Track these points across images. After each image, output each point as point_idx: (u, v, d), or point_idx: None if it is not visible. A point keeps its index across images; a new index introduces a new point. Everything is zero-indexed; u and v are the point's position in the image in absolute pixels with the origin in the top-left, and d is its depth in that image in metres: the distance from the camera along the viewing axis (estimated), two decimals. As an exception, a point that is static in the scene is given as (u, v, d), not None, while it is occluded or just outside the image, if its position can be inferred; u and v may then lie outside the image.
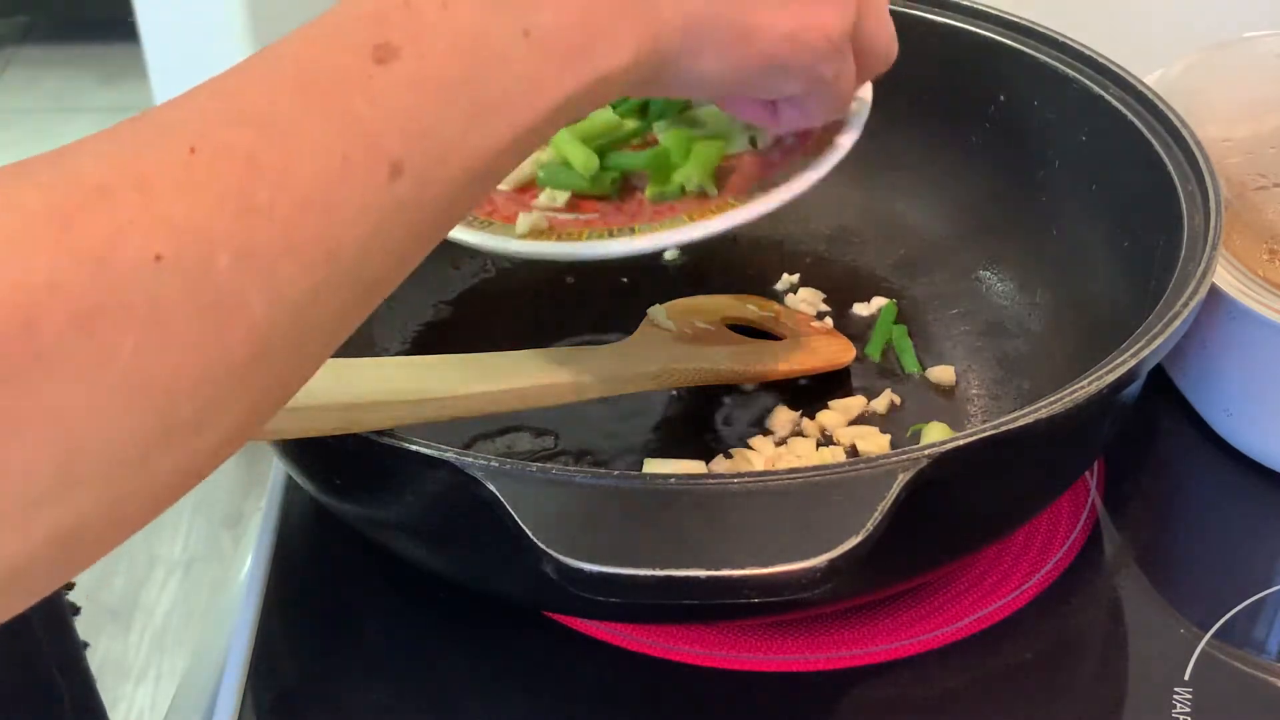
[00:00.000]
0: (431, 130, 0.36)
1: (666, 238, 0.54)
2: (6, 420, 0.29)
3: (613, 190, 0.59)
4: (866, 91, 0.58)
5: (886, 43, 0.51)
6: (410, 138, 0.35)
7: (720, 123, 0.60)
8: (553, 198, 0.59)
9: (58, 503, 0.31)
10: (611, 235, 0.55)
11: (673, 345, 0.66)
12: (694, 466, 0.62)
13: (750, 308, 0.71)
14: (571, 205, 0.58)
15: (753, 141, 0.59)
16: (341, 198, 0.34)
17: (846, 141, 0.56)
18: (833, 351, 0.70)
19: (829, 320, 0.72)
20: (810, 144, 0.57)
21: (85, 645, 0.70)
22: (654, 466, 0.62)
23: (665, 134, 0.59)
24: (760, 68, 0.46)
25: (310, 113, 0.34)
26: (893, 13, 0.68)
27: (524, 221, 0.56)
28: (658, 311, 0.68)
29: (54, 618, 0.68)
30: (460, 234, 0.55)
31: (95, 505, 0.31)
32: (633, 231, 0.55)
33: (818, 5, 0.46)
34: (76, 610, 0.70)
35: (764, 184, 0.56)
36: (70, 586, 0.69)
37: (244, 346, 0.33)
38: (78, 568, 0.33)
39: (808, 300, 0.73)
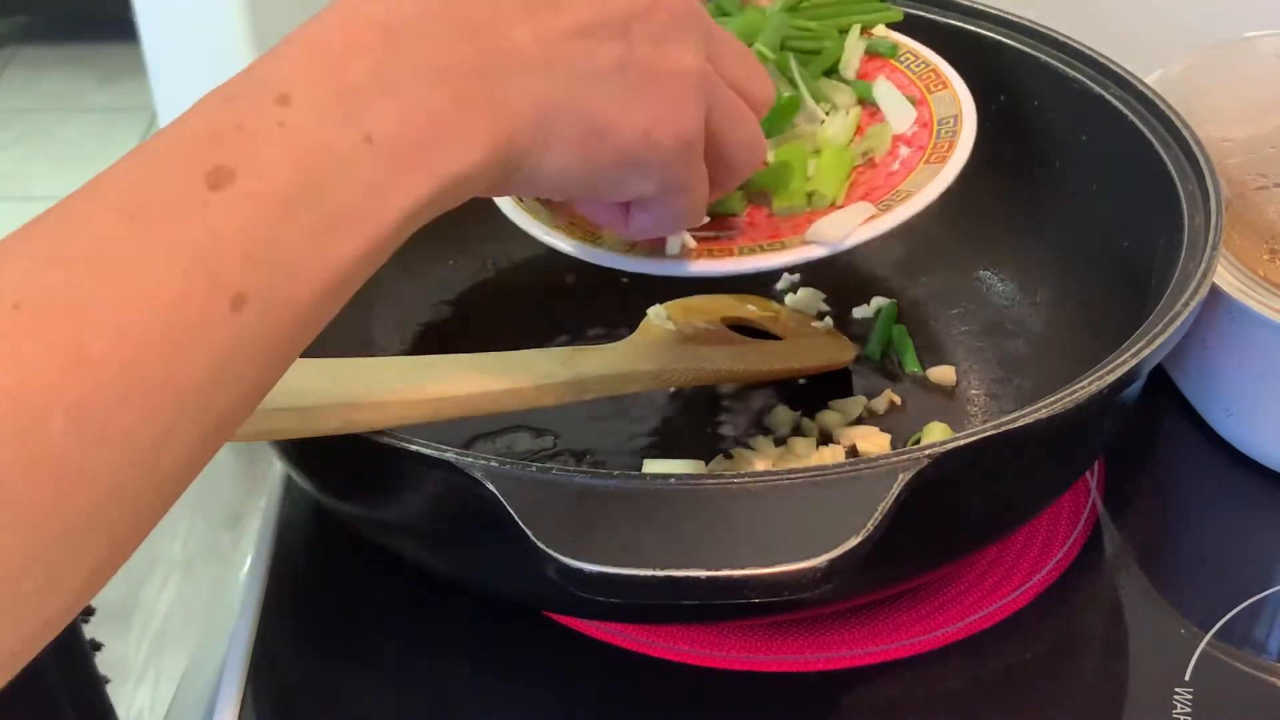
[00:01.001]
0: (275, 254, 0.34)
1: (812, 251, 0.54)
2: None
3: (740, 207, 0.58)
4: (966, 98, 0.59)
5: (747, 150, 0.49)
6: (253, 264, 0.34)
7: (831, 141, 0.59)
8: None
9: None
10: (762, 250, 0.55)
11: (673, 345, 0.66)
12: (694, 466, 0.62)
13: (750, 307, 0.71)
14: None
15: (866, 157, 0.59)
16: (183, 336, 0.32)
17: (965, 145, 0.57)
18: (833, 351, 0.70)
19: (829, 320, 0.72)
20: (929, 153, 0.57)
21: (99, 646, 0.69)
22: (654, 466, 0.62)
23: (779, 148, 0.59)
24: (612, 165, 0.44)
25: (144, 246, 0.33)
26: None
27: (673, 244, 0.55)
28: (658, 311, 0.68)
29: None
30: (630, 264, 0.55)
31: None
32: (782, 246, 0.55)
33: (670, 103, 0.44)
34: (90, 611, 0.70)
35: (897, 194, 0.56)
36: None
37: (90, 504, 0.31)
38: None
39: (807, 300, 0.73)
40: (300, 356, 0.37)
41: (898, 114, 0.60)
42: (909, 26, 0.70)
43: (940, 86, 0.61)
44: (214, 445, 0.35)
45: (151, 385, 0.32)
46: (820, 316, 0.73)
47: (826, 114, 0.60)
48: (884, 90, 0.61)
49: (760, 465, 0.63)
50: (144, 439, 0.32)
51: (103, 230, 0.33)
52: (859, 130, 0.60)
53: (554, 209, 0.58)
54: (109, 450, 0.31)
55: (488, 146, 0.39)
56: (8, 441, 0.30)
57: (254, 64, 0.38)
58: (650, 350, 0.65)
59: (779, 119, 0.59)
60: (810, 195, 0.57)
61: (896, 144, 0.59)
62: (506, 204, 0.58)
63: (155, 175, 0.34)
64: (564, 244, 0.56)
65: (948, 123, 0.59)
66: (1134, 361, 0.51)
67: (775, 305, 0.73)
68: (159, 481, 0.33)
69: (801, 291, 0.74)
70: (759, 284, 0.74)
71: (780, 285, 0.74)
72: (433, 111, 0.38)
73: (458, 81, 0.38)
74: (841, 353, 0.69)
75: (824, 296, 0.74)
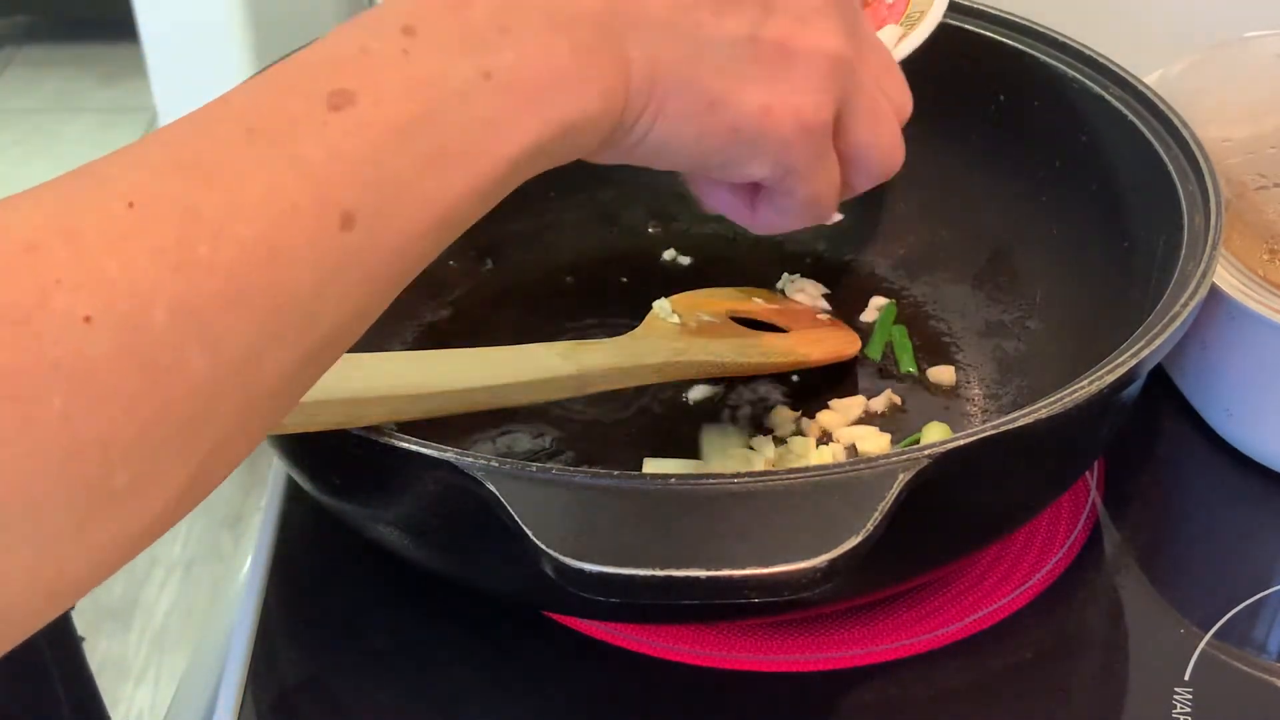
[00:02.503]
0: (386, 179, 0.35)
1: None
2: None
3: None
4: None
5: (882, 153, 0.47)
6: (364, 186, 0.34)
7: None
8: None
9: None
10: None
11: (677, 338, 0.66)
12: (694, 466, 0.62)
13: (756, 300, 0.72)
14: None
15: None
16: (289, 248, 0.33)
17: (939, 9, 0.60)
18: (838, 343, 0.70)
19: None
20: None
21: (81, 639, 0.69)
22: (654, 466, 0.62)
23: None
24: (725, 141, 0.43)
25: (259, 160, 0.33)
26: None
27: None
28: (662, 305, 0.68)
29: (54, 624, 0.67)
30: None
31: (27, 574, 0.30)
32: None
33: (792, 86, 0.42)
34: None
35: (909, 17, 0.60)
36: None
37: (183, 406, 0.31)
38: (7, 640, 0.31)
39: (807, 291, 0.73)
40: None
41: None
42: (909, 26, 0.71)
43: None
44: (314, 370, 0.36)
45: (255, 292, 0.32)
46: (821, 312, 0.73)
47: None
48: None
49: (760, 465, 0.63)
50: (244, 345, 0.32)
51: (221, 142, 0.33)
52: None
53: None
54: (208, 352, 0.32)
55: (601, 99, 0.39)
56: (109, 329, 0.30)
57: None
58: (654, 344, 0.65)
59: None
60: None
61: None
62: None
63: (279, 93, 0.35)
64: None
65: None
66: (1134, 361, 0.51)
67: (780, 298, 0.73)
68: (258, 396, 0.33)
69: (802, 283, 0.74)
70: (759, 284, 0.74)
71: (780, 285, 0.74)
72: (551, 55, 0.38)
73: (579, 30, 0.38)
74: (847, 345, 0.69)
75: (825, 292, 0.74)
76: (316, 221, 0.33)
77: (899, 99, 0.48)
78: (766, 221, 0.48)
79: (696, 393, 0.67)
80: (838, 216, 0.50)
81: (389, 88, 0.35)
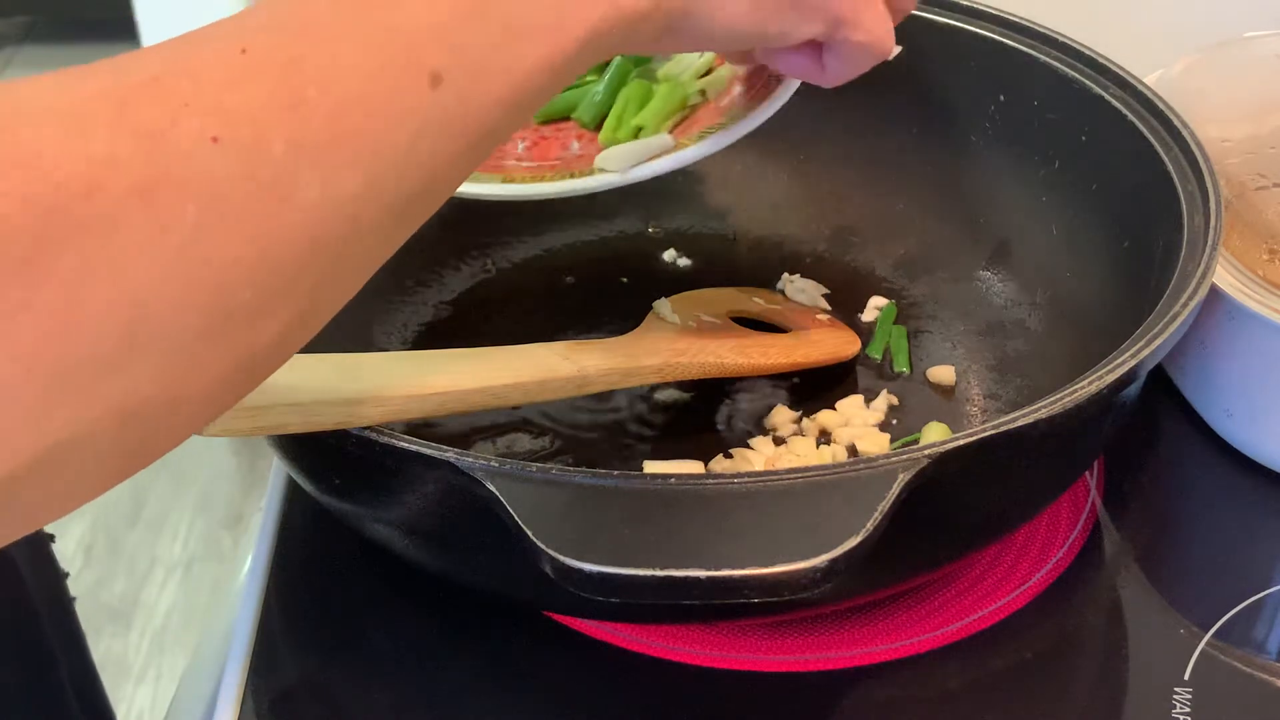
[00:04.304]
0: (467, 47, 0.37)
1: (603, 179, 0.57)
2: (75, 279, 0.30)
3: (591, 119, 0.62)
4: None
5: None
6: (447, 51, 0.37)
7: (675, 77, 0.62)
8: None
9: (121, 371, 0.31)
10: (574, 176, 0.58)
11: (677, 338, 0.66)
12: (694, 466, 0.62)
13: (756, 300, 0.72)
14: (529, 154, 0.62)
15: (703, 94, 0.62)
16: (384, 100, 0.35)
17: (785, 91, 0.59)
18: (837, 343, 0.70)
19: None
20: (758, 90, 0.60)
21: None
22: (654, 467, 0.62)
23: (627, 86, 0.62)
24: (776, 9, 0.47)
25: (349, 23, 0.36)
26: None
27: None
28: (663, 305, 0.68)
29: (57, 610, 0.68)
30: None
31: (156, 382, 0.32)
32: (571, 175, 0.58)
33: None
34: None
35: (715, 127, 0.59)
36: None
37: (299, 232, 0.34)
38: (131, 460, 0.34)
39: (807, 291, 0.73)
40: (300, 353, 0.37)
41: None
42: (909, 26, 0.71)
43: None
44: (403, 227, 0.38)
45: (358, 136, 0.35)
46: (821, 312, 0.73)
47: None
48: None
49: (760, 465, 0.63)
50: (349, 185, 0.35)
51: (311, 9, 0.36)
52: (709, 72, 0.63)
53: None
54: (319, 186, 0.34)
55: None
56: (236, 152, 0.33)
57: None
58: (654, 343, 0.65)
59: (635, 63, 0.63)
60: (638, 130, 0.60)
61: (732, 85, 0.62)
62: None
63: None
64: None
65: None
66: (1134, 362, 0.51)
67: (780, 298, 0.73)
68: (359, 237, 0.36)
69: (802, 283, 0.74)
70: (759, 284, 0.74)
71: (780, 285, 0.74)
72: None
73: None
74: (846, 345, 0.69)
75: (824, 292, 0.74)
76: (408, 78, 0.36)
77: None
78: (836, 72, 0.52)
79: (665, 394, 0.67)
80: (898, 49, 0.53)
81: None
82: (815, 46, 0.51)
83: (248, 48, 0.34)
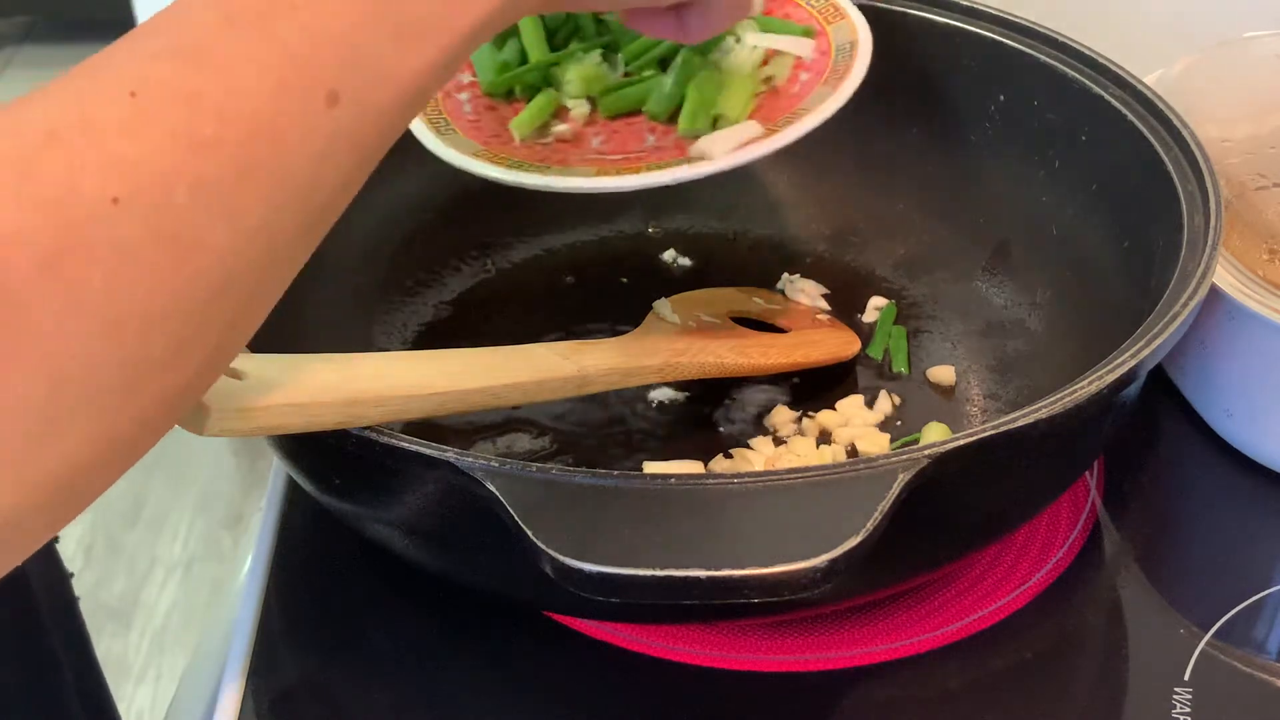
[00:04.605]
0: (360, 60, 0.37)
1: (701, 167, 0.57)
2: None
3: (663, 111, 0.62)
4: (863, 25, 0.62)
5: None
6: (343, 65, 0.37)
7: (739, 68, 0.62)
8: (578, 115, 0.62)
9: (52, 438, 0.32)
10: (669, 166, 0.58)
11: (677, 338, 0.66)
12: (693, 466, 0.62)
13: (756, 300, 0.72)
14: (606, 148, 0.61)
15: (767, 81, 0.62)
16: (285, 127, 0.35)
17: (860, 68, 0.60)
18: (837, 344, 0.70)
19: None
20: (826, 77, 0.60)
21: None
22: (653, 467, 0.62)
23: (696, 77, 0.61)
24: None
25: (243, 43, 0.35)
26: (892, 13, 0.68)
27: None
28: (663, 305, 0.68)
29: (61, 610, 0.68)
30: (504, 174, 0.58)
31: (87, 439, 0.32)
32: (665, 165, 0.58)
33: None
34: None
35: (790, 116, 0.59)
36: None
37: (210, 276, 0.34)
38: (73, 510, 0.34)
39: (807, 291, 0.73)
40: (300, 353, 0.38)
41: (794, 44, 0.63)
42: (909, 26, 0.71)
43: (838, 18, 0.64)
44: (313, 239, 0.38)
45: (261, 169, 0.35)
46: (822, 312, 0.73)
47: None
48: (778, 26, 0.64)
49: (760, 465, 0.63)
50: (256, 216, 0.35)
51: (203, 29, 0.35)
52: (764, 61, 0.63)
53: (478, 139, 0.60)
54: (227, 226, 0.34)
55: None
56: (140, 213, 0.32)
57: None
58: (654, 344, 0.65)
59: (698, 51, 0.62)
60: (716, 119, 0.60)
61: (797, 70, 0.62)
62: (428, 138, 0.60)
63: None
64: (488, 170, 0.58)
65: (845, 49, 0.62)
66: (1134, 362, 0.51)
67: (780, 298, 0.73)
68: (269, 264, 0.36)
69: (802, 283, 0.74)
70: (760, 284, 0.74)
71: (780, 285, 0.74)
72: None
73: None
74: (846, 346, 0.69)
75: (824, 292, 0.74)
76: (306, 98, 0.36)
77: None
78: (699, 31, 0.53)
79: (665, 394, 0.67)
80: (759, 6, 0.54)
81: None
82: (678, 8, 0.52)
83: (137, 89, 0.33)
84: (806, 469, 0.47)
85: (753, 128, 0.58)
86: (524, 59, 0.63)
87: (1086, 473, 0.65)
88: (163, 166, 0.33)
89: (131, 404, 0.33)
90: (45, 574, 0.69)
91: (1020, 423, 0.49)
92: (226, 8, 0.36)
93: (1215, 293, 0.61)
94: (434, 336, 0.71)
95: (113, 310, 0.32)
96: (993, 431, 0.49)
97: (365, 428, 0.49)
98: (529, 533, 0.44)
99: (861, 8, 0.64)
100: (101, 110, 0.33)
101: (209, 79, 0.34)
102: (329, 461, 0.55)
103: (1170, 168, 0.61)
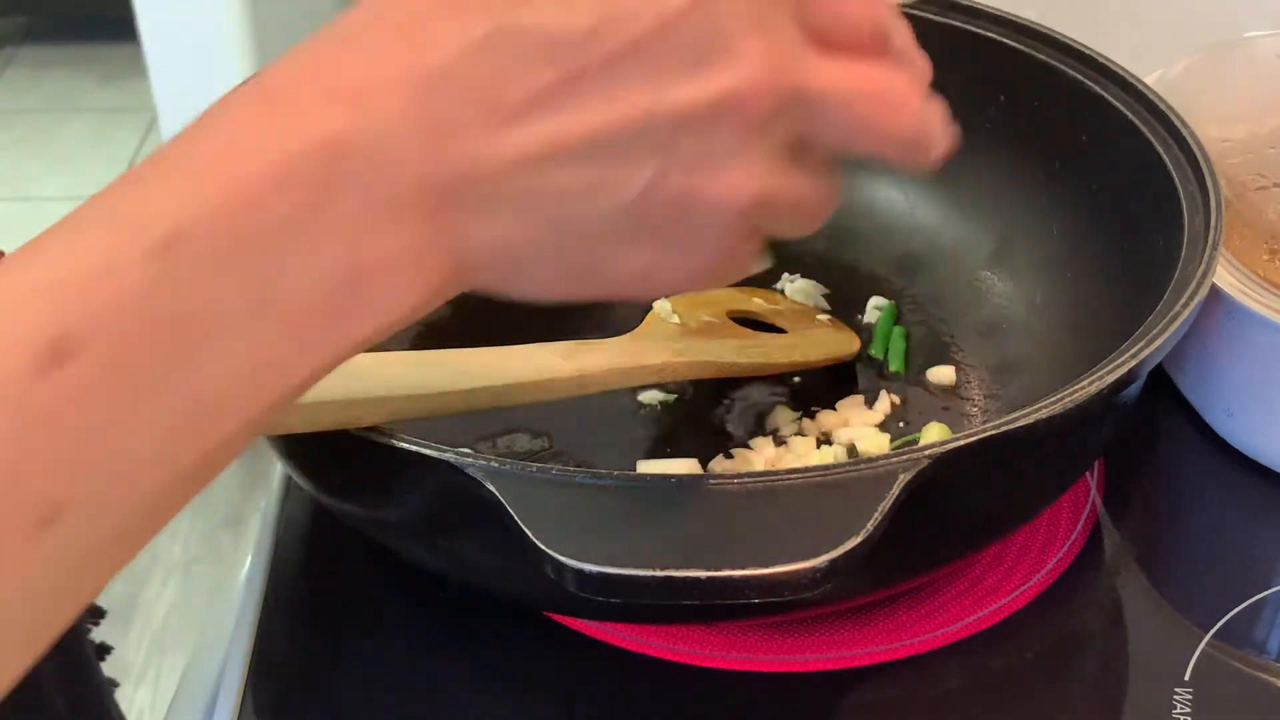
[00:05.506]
0: (118, 450, 0.27)
1: None
2: None
3: None
4: None
5: (794, 228, 0.39)
6: (76, 473, 0.27)
7: None
8: None
9: None
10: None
11: (677, 338, 0.66)
12: (693, 466, 0.62)
13: (756, 301, 0.72)
14: None
15: None
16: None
17: None
18: (837, 343, 0.69)
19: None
20: None
21: (108, 650, 0.69)
22: (653, 467, 0.62)
23: None
24: (597, 294, 0.36)
25: None
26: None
27: None
28: (663, 305, 0.68)
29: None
30: None
31: None
32: None
33: (689, 245, 0.35)
34: (101, 613, 0.69)
35: None
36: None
37: None
38: None
39: (807, 291, 0.73)
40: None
41: None
42: (910, 26, 0.70)
43: None
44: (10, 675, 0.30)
45: None
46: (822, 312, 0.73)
47: None
48: None
49: (760, 465, 0.63)
50: None
51: None
52: None
53: None
54: None
55: (423, 295, 0.33)
56: None
57: (154, 162, 0.29)
58: (654, 343, 0.65)
59: None
60: None
61: None
62: None
63: None
64: None
65: None
66: (1134, 362, 0.51)
67: (780, 298, 0.73)
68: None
69: (802, 283, 0.74)
70: (762, 278, 0.74)
71: (780, 285, 0.74)
72: (359, 268, 0.30)
73: (402, 220, 0.31)
74: (846, 345, 0.69)
75: (825, 291, 0.74)
76: (4, 524, 0.26)
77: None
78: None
79: (664, 395, 0.67)
80: (760, 266, 0.42)
81: (129, 327, 0.27)
82: None
83: None
84: (806, 469, 0.47)
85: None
86: None
87: (1087, 473, 0.65)
88: None
89: None
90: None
91: (1020, 423, 0.49)
92: None
93: (1215, 293, 0.61)
94: (434, 336, 0.71)
95: None
96: (993, 432, 0.48)
97: (365, 428, 0.49)
98: (529, 533, 0.44)
99: None
100: None
101: None
102: (329, 461, 0.55)
103: (1170, 168, 0.61)
